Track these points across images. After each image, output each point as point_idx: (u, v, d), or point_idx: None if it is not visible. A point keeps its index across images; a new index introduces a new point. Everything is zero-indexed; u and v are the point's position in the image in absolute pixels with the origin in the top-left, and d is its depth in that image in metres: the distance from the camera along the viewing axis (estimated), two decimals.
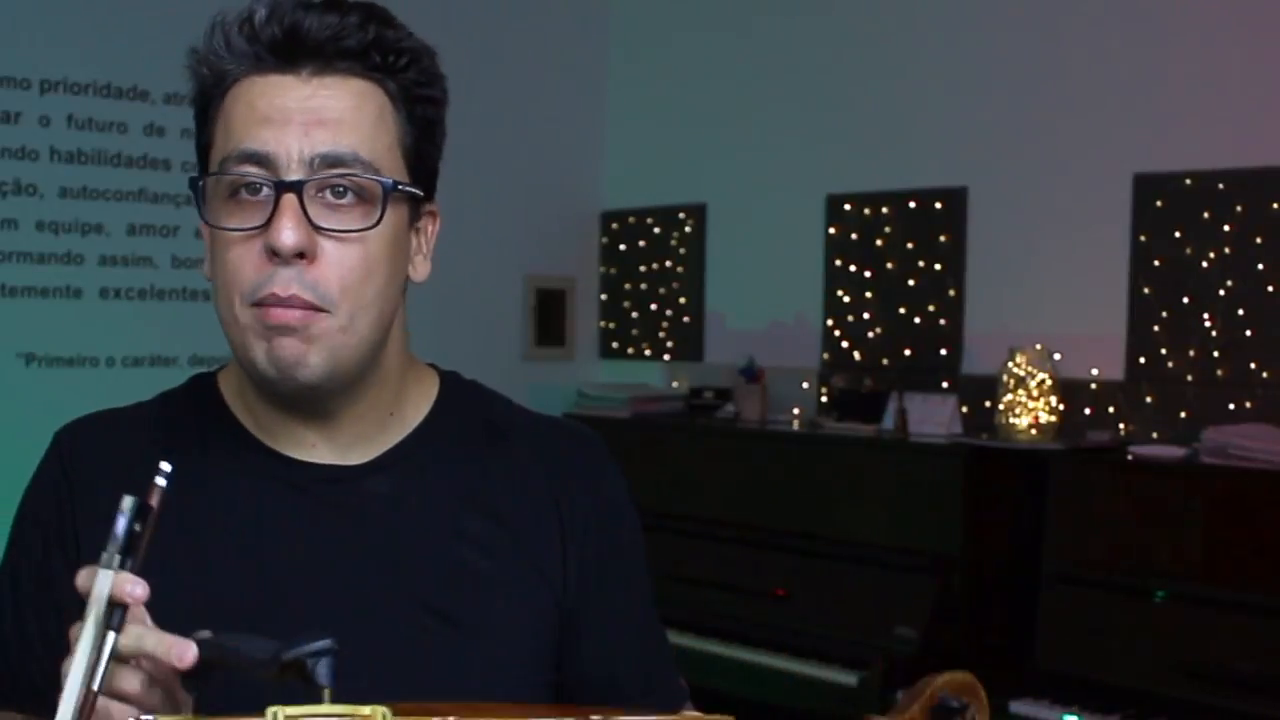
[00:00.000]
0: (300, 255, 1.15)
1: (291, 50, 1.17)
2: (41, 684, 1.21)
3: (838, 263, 4.19)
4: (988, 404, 3.69)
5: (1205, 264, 3.44)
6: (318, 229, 1.16)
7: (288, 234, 1.14)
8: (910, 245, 4.02)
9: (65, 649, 1.05)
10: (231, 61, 1.18)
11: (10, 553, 1.29)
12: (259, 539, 1.23)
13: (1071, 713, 3.00)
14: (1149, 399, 3.54)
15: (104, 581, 0.93)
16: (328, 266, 1.16)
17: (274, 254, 1.15)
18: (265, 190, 1.16)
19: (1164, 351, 3.51)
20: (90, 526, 1.21)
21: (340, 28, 1.17)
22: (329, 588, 1.22)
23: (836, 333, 4.19)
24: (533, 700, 1.25)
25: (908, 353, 4.03)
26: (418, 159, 1.23)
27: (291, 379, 1.18)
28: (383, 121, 1.20)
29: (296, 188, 1.15)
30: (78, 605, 1.08)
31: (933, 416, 3.66)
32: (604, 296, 4.87)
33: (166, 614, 1.01)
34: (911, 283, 4.01)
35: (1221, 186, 3.42)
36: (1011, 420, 3.54)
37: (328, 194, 1.17)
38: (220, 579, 1.21)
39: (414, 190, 1.22)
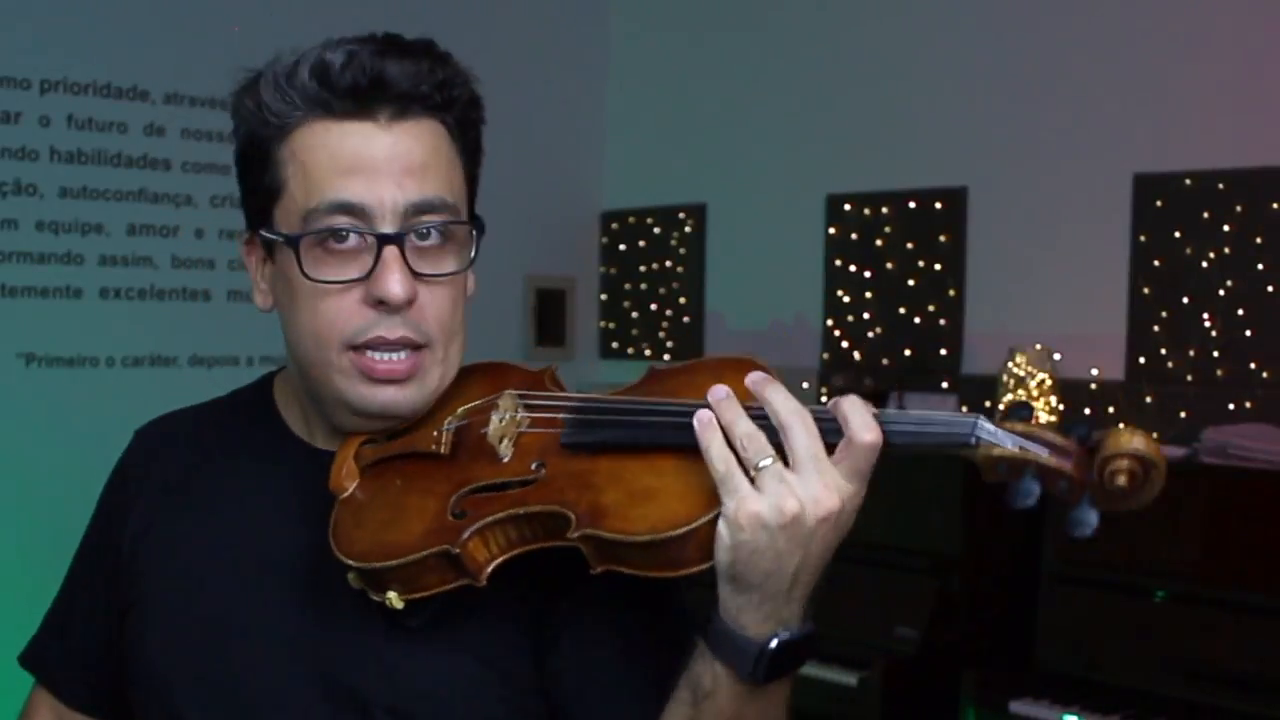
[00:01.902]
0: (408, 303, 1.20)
1: (372, 97, 1.19)
2: (88, 644, 1.40)
3: (838, 263, 4.19)
4: (988, 404, 3.69)
5: (1205, 264, 3.44)
6: (418, 275, 1.20)
7: (397, 287, 1.18)
8: (910, 245, 4.02)
9: (104, 614, 1.36)
10: (301, 107, 1.19)
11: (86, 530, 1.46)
12: (273, 519, 1.30)
13: (1071, 713, 3.00)
14: (1149, 399, 3.54)
15: None
16: (427, 308, 1.22)
17: (379, 304, 1.19)
18: (354, 238, 1.19)
19: (1164, 351, 3.51)
20: (137, 517, 1.36)
21: (418, 75, 1.20)
22: (327, 569, 1.23)
23: (836, 333, 4.19)
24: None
25: (908, 353, 4.03)
26: (472, 182, 1.29)
27: (393, 419, 1.25)
28: (453, 160, 1.25)
29: (398, 240, 1.18)
30: (101, 578, 1.39)
31: None
32: (604, 296, 4.87)
33: (181, 588, 1.29)
34: (911, 283, 4.01)
35: (1221, 186, 3.42)
36: None
37: (413, 236, 1.20)
38: (233, 547, 1.30)
39: (481, 219, 1.27)
